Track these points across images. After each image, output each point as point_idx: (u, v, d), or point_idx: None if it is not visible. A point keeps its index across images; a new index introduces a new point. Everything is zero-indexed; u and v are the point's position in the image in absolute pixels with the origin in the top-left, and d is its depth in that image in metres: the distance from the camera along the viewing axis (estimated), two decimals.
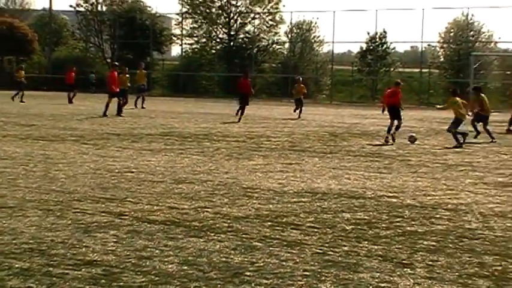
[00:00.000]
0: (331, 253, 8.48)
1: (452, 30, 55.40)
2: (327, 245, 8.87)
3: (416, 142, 22.33)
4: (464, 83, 51.10)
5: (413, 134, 23.24)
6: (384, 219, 10.47)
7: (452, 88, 25.01)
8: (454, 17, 55.15)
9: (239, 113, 30.28)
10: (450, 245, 9.00)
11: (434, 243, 9.07)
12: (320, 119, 32.94)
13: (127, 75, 33.57)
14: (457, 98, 22.61)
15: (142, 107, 36.30)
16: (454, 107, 22.52)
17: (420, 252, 8.60)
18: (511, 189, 13.61)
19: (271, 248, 8.63)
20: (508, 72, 52.26)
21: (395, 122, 22.87)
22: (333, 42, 57.83)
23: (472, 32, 54.51)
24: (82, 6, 64.38)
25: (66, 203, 11.05)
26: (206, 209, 10.87)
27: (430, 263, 8.17)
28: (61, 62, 60.12)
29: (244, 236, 9.23)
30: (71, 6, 65.06)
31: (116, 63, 35.35)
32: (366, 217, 10.61)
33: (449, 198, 12.37)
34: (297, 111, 33.31)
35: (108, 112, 30.22)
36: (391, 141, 22.24)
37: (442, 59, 56.82)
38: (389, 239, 9.27)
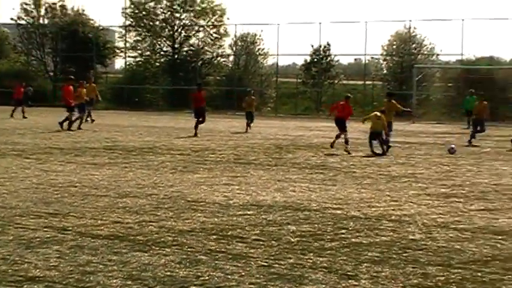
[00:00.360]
0: (277, 266, 8.50)
1: (394, 43, 56.01)
2: (272, 257, 8.89)
3: (360, 154, 22.55)
4: (407, 95, 51.70)
5: (453, 146, 24.38)
6: (328, 231, 10.53)
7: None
8: (396, 30, 55.78)
9: (196, 127, 29.77)
10: (394, 256, 9.08)
11: (378, 255, 9.14)
12: (265, 131, 33.03)
13: (84, 89, 33.33)
14: (375, 112, 23.66)
15: (85, 120, 35.96)
16: (371, 120, 23.56)
17: (365, 264, 8.66)
18: (453, 200, 13.80)
19: (216, 262, 8.61)
20: (450, 84, 52.96)
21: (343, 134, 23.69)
22: (277, 54, 58.07)
23: (414, 45, 55.17)
24: (23, 19, 63.65)
25: (8, 219, 10.88)
26: (151, 223, 10.81)
27: (375, 274, 8.24)
28: (2, 75, 59.29)
29: (189, 249, 9.19)
30: (12, 19, 64.29)
31: (72, 76, 34.91)
32: (311, 229, 10.65)
33: (393, 210, 12.49)
34: (250, 124, 33.11)
35: (70, 125, 30.24)
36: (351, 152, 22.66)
37: (385, 71, 57.38)
38: (334, 250, 9.32)
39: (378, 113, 23.48)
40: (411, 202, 13.40)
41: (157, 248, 9.20)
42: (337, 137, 23.91)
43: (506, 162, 21.09)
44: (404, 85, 53.76)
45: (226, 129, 34.12)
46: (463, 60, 52.28)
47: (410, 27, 54.57)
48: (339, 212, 12.20)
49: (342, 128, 24.00)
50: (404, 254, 9.19)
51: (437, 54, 55.45)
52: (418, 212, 12.35)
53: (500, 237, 10.34)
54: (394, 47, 55.96)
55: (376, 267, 8.49)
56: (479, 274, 8.32)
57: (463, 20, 50.48)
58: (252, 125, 33.18)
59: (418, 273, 8.30)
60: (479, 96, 29.15)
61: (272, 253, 9.11)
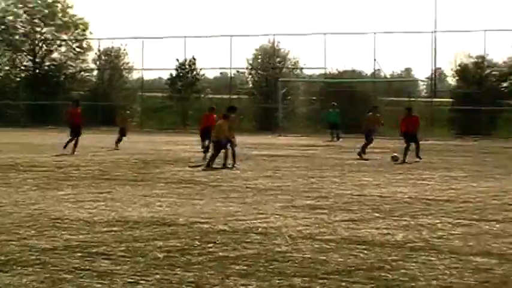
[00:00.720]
0: (143, 282, 8.43)
1: (259, 57, 56.74)
2: (139, 273, 8.81)
3: (228, 167, 22.70)
4: (273, 109, 52.43)
5: (396, 154, 25.82)
6: (196, 246, 10.53)
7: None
8: (260, 44, 56.48)
9: (73, 144, 28.70)
10: (261, 269, 9.16)
11: (245, 268, 9.20)
12: (131, 146, 32.73)
13: None
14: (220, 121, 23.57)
15: None
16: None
17: (232, 277, 8.70)
18: (318, 211, 14.05)
19: (81, 280, 8.46)
20: (314, 98, 54.05)
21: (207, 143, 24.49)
22: (142, 69, 57.89)
23: (278, 59, 56.04)
24: None
25: None
26: (12, 242, 10.51)
27: (242, 287, 8.29)
28: None
29: (52, 268, 9.00)
30: None
31: None
32: (178, 244, 10.62)
33: (260, 222, 12.60)
34: (119, 140, 32.54)
35: None
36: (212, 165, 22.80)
37: (250, 85, 58.01)
38: (201, 265, 9.33)
39: (219, 121, 23.73)
40: (278, 214, 13.56)
41: (19, 268, 8.96)
42: (205, 152, 24.49)
43: (368, 174, 21.67)
44: (270, 99, 54.52)
45: (91, 144, 33.61)
46: (327, 73, 53.49)
47: (274, 42, 55.44)
48: (206, 226, 12.21)
49: (204, 138, 25.06)
50: (271, 267, 9.29)
51: (302, 68, 56.57)
52: (284, 224, 12.51)
53: (363, 247, 10.60)
54: (259, 60, 56.69)
55: (243, 281, 8.54)
56: (343, 284, 8.50)
57: (325, 34, 51.74)
58: (118, 141, 32.71)
59: (285, 285, 8.41)
60: (373, 108, 29.82)
61: (138, 269, 9.03)
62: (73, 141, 28.77)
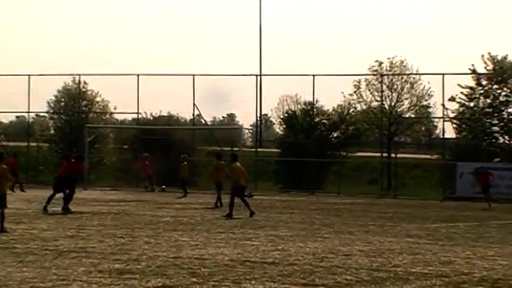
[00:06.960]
0: None
1: (63, 100, 55.76)
2: None
3: (23, 227, 22.15)
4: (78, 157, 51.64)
5: None
6: None
7: None
8: (64, 85, 55.38)
9: None
10: None
11: None
12: None
13: None
14: None
15: None
16: None
17: None
18: (127, 276, 13.94)
19: None
20: (125, 146, 53.60)
21: None
22: None
23: (85, 102, 55.26)
24: None
25: None
26: None
27: None
28: None
29: None
30: None
31: None
32: None
33: None
34: None
35: None
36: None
37: (52, 132, 56.94)
38: None
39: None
40: (81, 280, 13.35)
41: None
42: None
43: (186, 233, 21.75)
44: (74, 147, 53.72)
45: None
46: (140, 119, 53.13)
47: (80, 82, 54.71)
48: None
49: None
50: None
51: (112, 113, 55.81)
52: None
53: None
54: (63, 104, 55.67)
55: None
56: None
57: (138, 75, 51.36)
58: None
59: None
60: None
61: None
62: None
